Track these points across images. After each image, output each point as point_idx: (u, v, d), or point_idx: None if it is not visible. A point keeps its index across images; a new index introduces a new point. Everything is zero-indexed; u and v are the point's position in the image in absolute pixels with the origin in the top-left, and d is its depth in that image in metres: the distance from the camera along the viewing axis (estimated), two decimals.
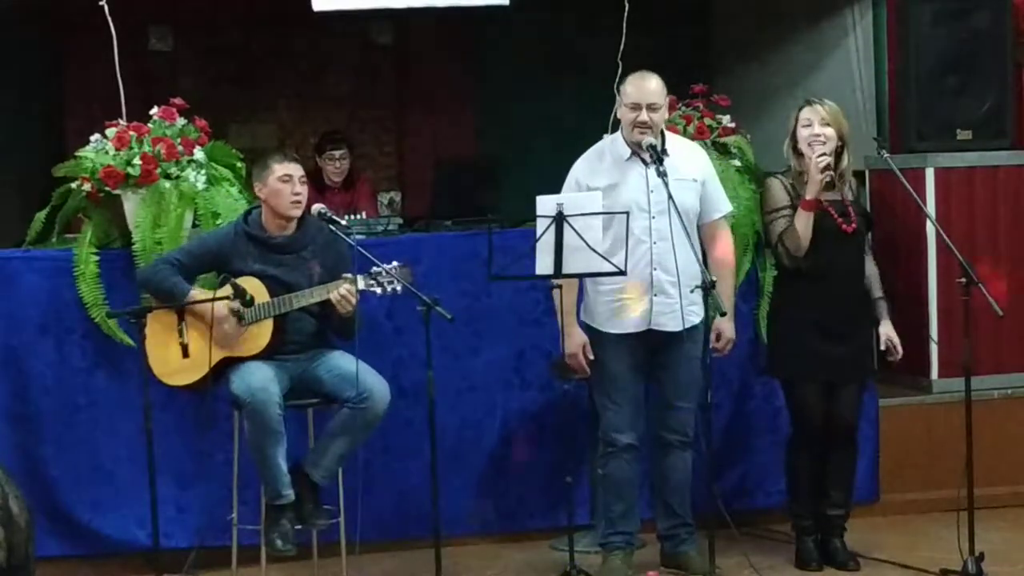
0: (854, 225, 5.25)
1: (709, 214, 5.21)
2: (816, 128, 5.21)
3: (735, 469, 5.92)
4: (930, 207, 6.05)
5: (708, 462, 5.09)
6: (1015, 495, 6.08)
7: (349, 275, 4.96)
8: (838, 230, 5.22)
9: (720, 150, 5.85)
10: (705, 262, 5.08)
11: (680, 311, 5.08)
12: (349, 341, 5.07)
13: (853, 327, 5.32)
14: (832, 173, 5.16)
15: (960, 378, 5.24)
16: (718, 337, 5.19)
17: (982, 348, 5.94)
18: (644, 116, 5.01)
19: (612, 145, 5.16)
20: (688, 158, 5.16)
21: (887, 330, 5.39)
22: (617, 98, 5.12)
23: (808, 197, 5.16)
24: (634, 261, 4.93)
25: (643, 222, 5.01)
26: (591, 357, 5.11)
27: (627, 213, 4.91)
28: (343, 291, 4.93)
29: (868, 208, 5.45)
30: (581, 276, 4.94)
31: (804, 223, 5.18)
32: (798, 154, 5.28)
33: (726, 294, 5.15)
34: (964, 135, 6.34)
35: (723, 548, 5.20)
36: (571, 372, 5.17)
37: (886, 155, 5.41)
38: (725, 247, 5.30)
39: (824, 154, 5.14)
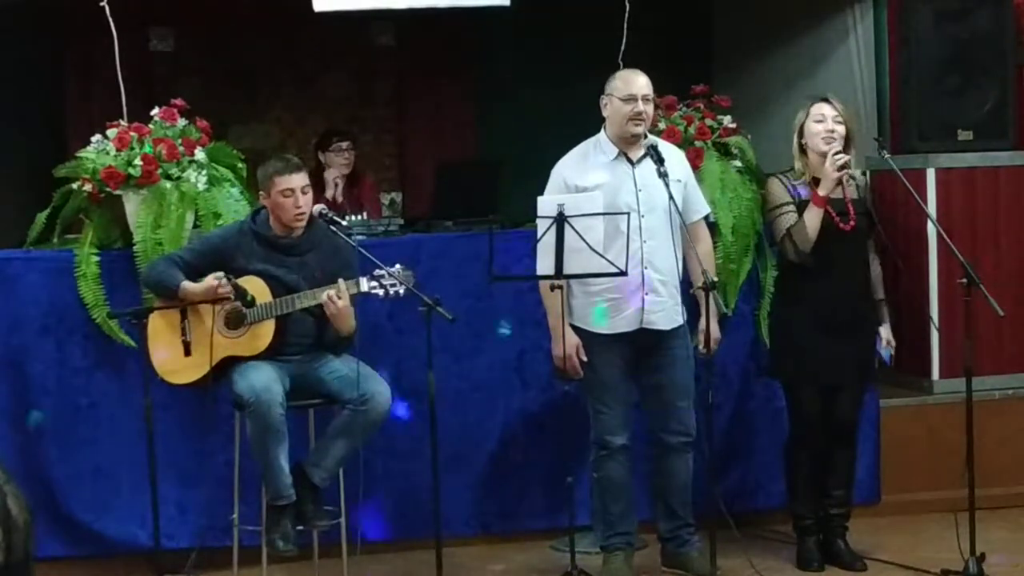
0: (852, 224, 5.24)
1: (690, 215, 5.22)
2: (830, 123, 5.20)
3: (736, 470, 5.92)
4: (931, 207, 6.05)
5: (709, 463, 5.10)
6: (1016, 495, 6.08)
7: (342, 280, 4.94)
8: (836, 229, 5.21)
9: (721, 151, 5.85)
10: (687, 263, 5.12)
11: (670, 310, 5.10)
12: (344, 352, 5.07)
13: (854, 327, 5.31)
14: (848, 172, 5.17)
15: (961, 378, 5.24)
16: (706, 339, 5.19)
17: (983, 348, 5.95)
18: (640, 107, 5.04)
19: (596, 146, 5.18)
20: (671, 159, 5.17)
21: (885, 333, 5.40)
22: (603, 98, 5.13)
23: (821, 193, 5.15)
24: (625, 260, 4.93)
25: (633, 221, 5.01)
26: (584, 359, 5.11)
27: (627, 214, 4.93)
28: (331, 291, 4.91)
29: (874, 208, 5.42)
30: (582, 277, 4.94)
31: (814, 219, 5.16)
32: (803, 152, 5.27)
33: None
34: (965, 135, 6.34)
35: (724, 549, 5.20)
36: (565, 375, 5.17)
37: (887, 155, 5.41)
38: (707, 248, 5.32)
39: (840, 152, 5.14)
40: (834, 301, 5.26)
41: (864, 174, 5.50)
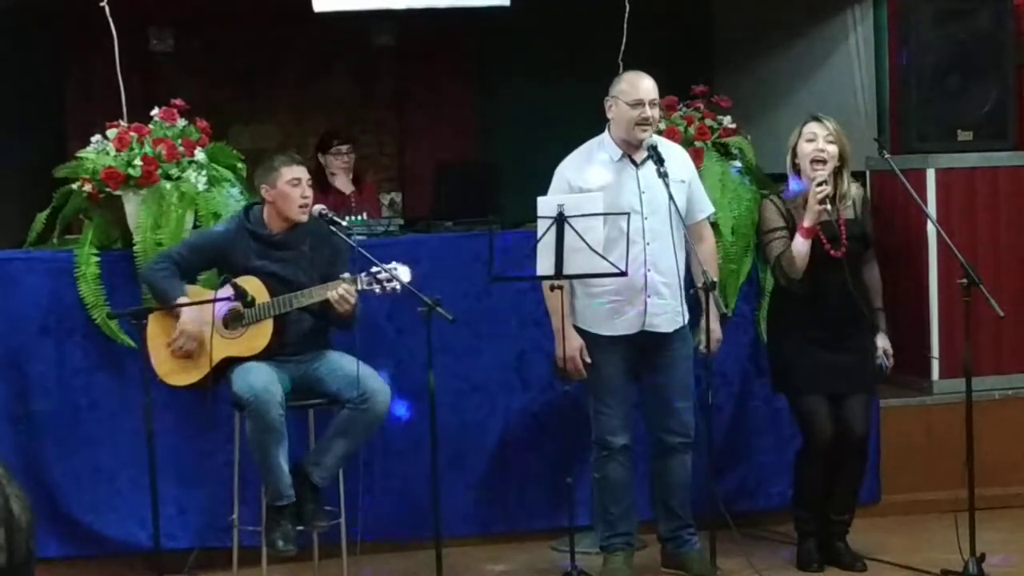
0: (843, 250, 5.20)
1: (694, 215, 5.22)
2: (820, 143, 5.16)
3: (736, 470, 5.92)
4: (931, 208, 6.05)
5: (709, 463, 5.10)
6: (1016, 496, 6.08)
7: (347, 275, 4.96)
8: (826, 255, 5.20)
9: (721, 151, 5.85)
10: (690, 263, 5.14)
11: (671, 312, 5.11)
12: (348, 333, 5.08)
13: (852, 339, 5.29)
14: (828, 206, 5.14)
15: (961, 379, 5.24)
16: (708, 339, 5.18)
17: (983, 349, 5.95)
18: (648, 112, 5.03)
19: (600, 147, 5.16)
20: (675, 159, 5.17)
21: (883, 342, 5.38)
22: (608, 100, 5.12)
23: (806, 225, 5.11)
24: (627, 262, 4.93)
25: (636, 223, 5.01)
26: (588, 360, 5.11)
27: (628, 214, 4.93)
28: (341, 291, 4.94)
29: (871, 223, 5.40)
30: (582, 277, 4.94)
31: (801, 249, 5.13)
32: (797, 172, 5.24)
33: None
34: (965, 136, 6.34)
35: (724, 549, 5.21)
36: (568, 375, 5.17)
37: (887, 156, 5.41)
38: (710, 247, 5.32)
39: (824, 183, 5.09)
40: (827, 321, 5.23)
41: (864, 187, 5.45)
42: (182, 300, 5.03)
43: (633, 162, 5.10)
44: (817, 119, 5.23)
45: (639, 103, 5.03)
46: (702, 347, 5.15)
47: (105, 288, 5.41)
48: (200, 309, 5.02)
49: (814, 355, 5.24)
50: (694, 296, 5.12)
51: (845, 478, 5.34)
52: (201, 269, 5.17)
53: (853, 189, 5.31)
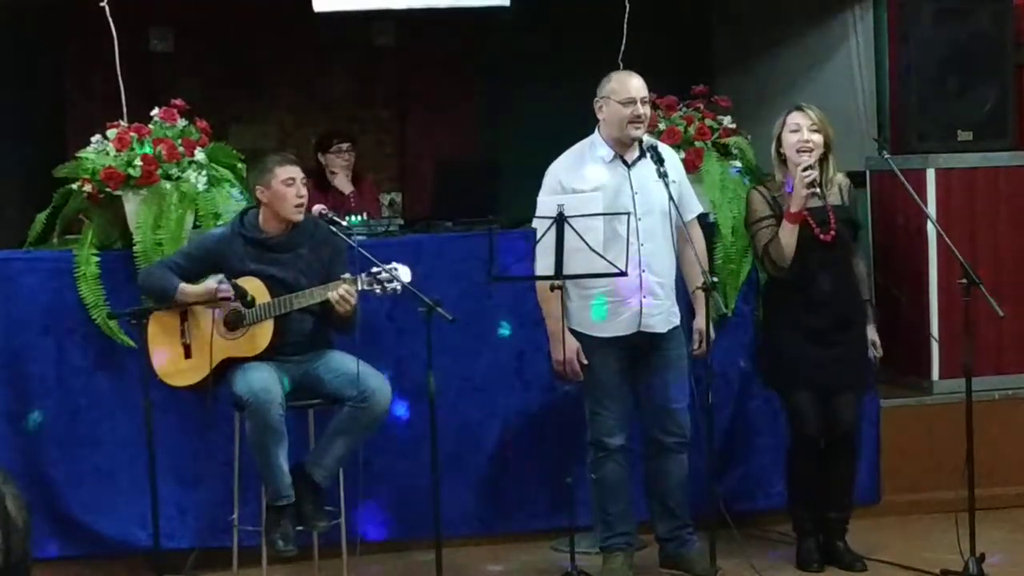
0: (832, 234, 5.21)
1: (684, 215, 5.21)
2: (805, 134, 5.17)
3: (736, 470, 5.92)
4: (931, 208, 6.05)
5: (709, 463, 5.09)
6: (1016, 496, 6.08)
7: (348, 275, 4.97)
8: (816, 240, 5.20)
9: (721, 151, 5.85)
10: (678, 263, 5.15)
11: (667, 312, 5.12)
12: (348, 336, 5.08)
13: (845, 333, 5.29)
14: (817, 189, 5.14)
15: (961, 379, 5.24)
16: (700, 340, 5.19)
17: (983, 349, 5.95)
18: (640, 110, 5.05)
19: (592, 148, 5.17)
20: (667, 160, 5.16)
21: (871, 334, 5.38)
22: (597, 101, 5.13)
23: (793, 210, 5.12)
24: (625, 262, 4.92)
25: (630, 224, 5.00)
26: (584, 362, 5.11)
27: (627, 215, 4.93)
28: (342, 291, 4.94)
29: (867, 209, 5.40)
30: (582, 277, 4.94)
31: (789, 235, 5.14)
32: (782, 161, 5.25)
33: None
34: (965, 136, 6.34)
35: (724, 549, 5.21)
36: (564, 378, 5.16)
37: (887, 156, 5.41)
38: (701, 247, 5.32)
39: (810, 167, 5.11)
40: (821, 309, 5.23)
41: (861, 179, 5.47)
42: (183, 287, 5.02)
43: (625, 163, 5.11)
44: (800, 108, 5.24)
45: (631, 101, 5.04)
46: (696, 348, 5.15)
47: (105, 288, 5.41)
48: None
49: (806, 351, 5.24)
50: (693, 295, 5.13)
51: (838, 475, 5.36)
52: (198, 276, 5.16)
53: (839, 176, 5.32)
